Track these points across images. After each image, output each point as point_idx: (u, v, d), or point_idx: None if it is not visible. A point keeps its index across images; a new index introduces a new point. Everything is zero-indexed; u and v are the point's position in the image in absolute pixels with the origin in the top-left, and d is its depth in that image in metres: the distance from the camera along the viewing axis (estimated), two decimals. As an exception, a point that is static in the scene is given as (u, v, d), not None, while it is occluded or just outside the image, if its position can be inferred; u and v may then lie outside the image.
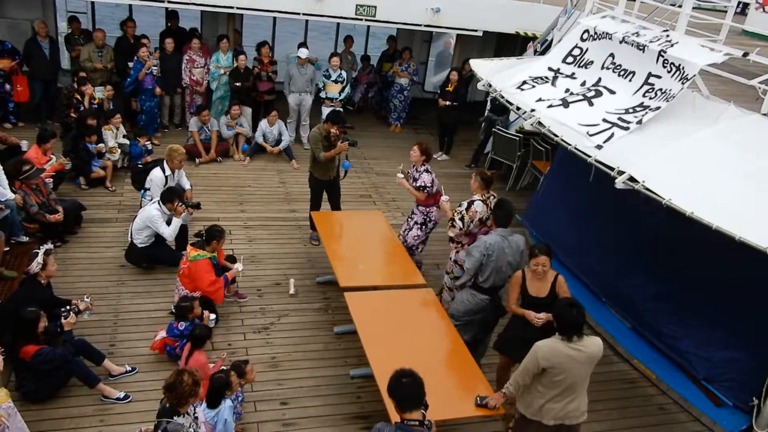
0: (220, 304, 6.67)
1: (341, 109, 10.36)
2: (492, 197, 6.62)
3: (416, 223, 7.45)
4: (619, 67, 6.83)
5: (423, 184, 7.22)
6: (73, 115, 9.48)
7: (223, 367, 5.41)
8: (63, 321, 5.56)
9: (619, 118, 6.29)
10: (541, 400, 4.65)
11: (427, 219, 7.42)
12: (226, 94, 10.87)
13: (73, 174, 8.92)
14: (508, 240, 5.90)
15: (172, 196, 7.29)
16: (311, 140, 7.86)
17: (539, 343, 4.57)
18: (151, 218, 7.12)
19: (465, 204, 6.54)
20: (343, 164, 7.89)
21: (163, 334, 6.09)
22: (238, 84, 10.56)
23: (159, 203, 7.24)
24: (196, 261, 6.43)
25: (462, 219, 6.45)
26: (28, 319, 5.29)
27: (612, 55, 6.94)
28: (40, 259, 5.90)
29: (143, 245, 7.24)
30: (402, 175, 7.38)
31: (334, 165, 7.92)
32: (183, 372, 4.31)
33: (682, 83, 6.05)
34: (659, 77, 6.35)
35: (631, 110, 6.34)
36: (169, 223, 7.21)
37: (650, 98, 6.33)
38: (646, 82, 6.46)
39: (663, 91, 6.24)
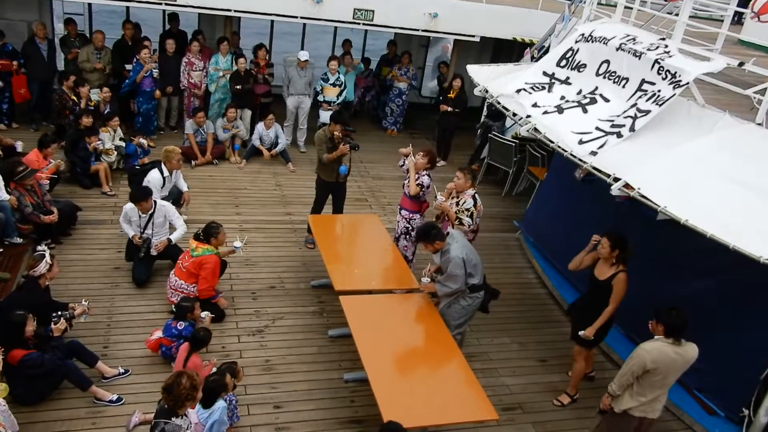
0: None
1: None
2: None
3: (402, 234, 7.53)
4: (613, 74, 6.83)
5: (421, 183, 7.28)
6: (69, 116, 9.45)
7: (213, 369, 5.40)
8: (53, 326, 5.51)
9: (612, 125, 6.30)
10: (633, 397, 4.94)
11: (410, 227, 7.47)
12: (224, 97, 10.87)
13: (69, 176, 8.89)
14: (455, 237, 6.10)
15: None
16: (316, 141, 7.88)
17: (645, 345, 4.84)
18: (169, 211, 7.25)
19: (469, 201, 6.72)
20: (339, 168, 7.91)
21: (159, 334, 6.07)
22: (239, 87, 10.57)
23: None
24: (202, 257, 6.54)
25: (471, 216, 6.69)
26: (15, 322, 5.22)
27: (607, 62, 6.95)
28: (48, 259, 5.86)
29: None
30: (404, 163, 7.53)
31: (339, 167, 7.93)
32: (182, 374, 4.31)
33: (675, 89, 6.06)
34: (653, 84, 6.34)
35: (622, 114, 6.36)
36: None
37: (643, 101, 6.33)
38: (639, 89, 6.45)
39: (655, 94, 6.23)
